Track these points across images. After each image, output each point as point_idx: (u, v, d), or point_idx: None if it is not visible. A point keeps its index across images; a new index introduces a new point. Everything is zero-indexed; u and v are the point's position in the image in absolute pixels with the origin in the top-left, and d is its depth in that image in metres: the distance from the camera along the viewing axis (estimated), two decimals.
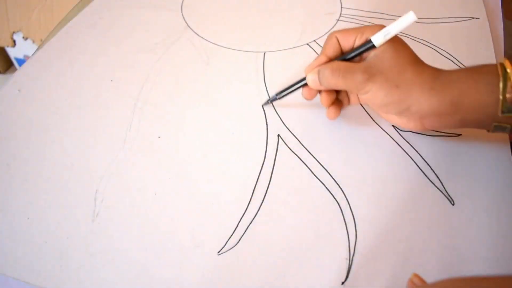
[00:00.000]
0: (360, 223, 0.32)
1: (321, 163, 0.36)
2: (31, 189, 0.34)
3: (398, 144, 0.37)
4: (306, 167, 0.35)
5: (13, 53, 1.10)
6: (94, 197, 0.34)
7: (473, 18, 0.49)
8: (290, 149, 0.37)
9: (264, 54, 0.45)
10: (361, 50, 0.33)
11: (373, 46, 0.33)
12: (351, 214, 0.33)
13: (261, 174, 0.35)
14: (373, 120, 0.39)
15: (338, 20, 0.49)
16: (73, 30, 0.48)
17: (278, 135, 0.38)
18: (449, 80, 0.32)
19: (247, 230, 0.32)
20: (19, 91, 0.41)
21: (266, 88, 0.41)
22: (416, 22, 0.50)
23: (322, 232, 0.32)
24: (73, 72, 0.43)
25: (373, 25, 0.34)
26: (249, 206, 0.33)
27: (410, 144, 0.37)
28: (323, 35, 0.47)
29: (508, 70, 0.30)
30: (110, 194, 0.34)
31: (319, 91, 0.36)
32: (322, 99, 0.36)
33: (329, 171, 0.35)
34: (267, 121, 0.39)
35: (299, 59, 0.44)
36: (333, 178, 0.35)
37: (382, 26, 0.33)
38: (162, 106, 0.40)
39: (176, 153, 0.37)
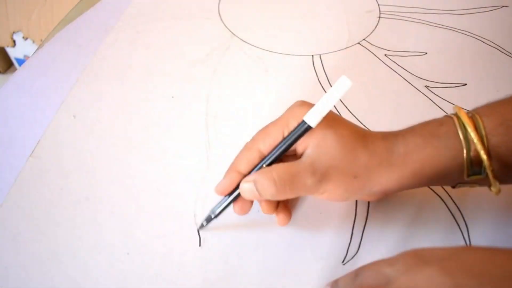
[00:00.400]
0: (466, 213, 0.33)
1: None
2: (123, 221, 0.32)
3: None
4: None
5: (13, 53, 1.09)
6: (194, 223, 0.32)
7: (503, 6, 0.51)
8: None
9: (320, 56, 0.45)
10: (293, 137, 0.28)
11: (308, 129, 0.27)
12: (455, 206, 0.33)
13: None
14: None
15: (380, 17, 0.49)
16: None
17: None
18: (406, 152, 0.28)
19: (363, 235, 0.32)
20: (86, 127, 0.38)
21: None
22: (451, 14, 0.51)
23: (434, 227, 0.32)
24: (126, 91, 0.41)
25: (293, 113, 0.29)
26: (357, 210, 0.33)
27: None
28: (370, 33, 0.47)
29: (469, 130, 0.27)
30: None
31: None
32: (263, 208, 0.30)
33: None
34: None
35: (356, 58, 0.45)
36: None
37: (307, 105, 0.28)
38: (234, 118, 0.39)
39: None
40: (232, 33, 0.47)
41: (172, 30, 0.48)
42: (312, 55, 0.45)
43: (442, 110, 0.39)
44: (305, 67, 0.44)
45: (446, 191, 0.34)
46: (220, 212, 0.30)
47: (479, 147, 0.27)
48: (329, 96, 0.27)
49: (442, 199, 0.34)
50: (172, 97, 0.40)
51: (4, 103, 0.40)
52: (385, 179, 0.28)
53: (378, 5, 0.51)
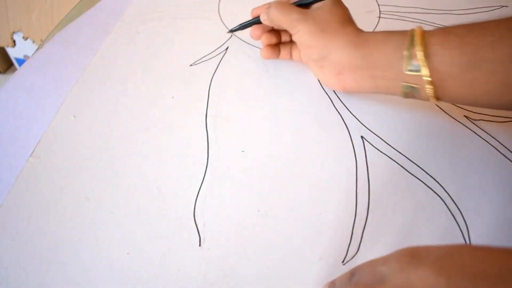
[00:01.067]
0: (466, 213, 0.33)
1: (411, 159, 0.36)
2: (123, 221, 0.32)
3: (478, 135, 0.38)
4: (398, 165, 0.36)
5: (13, 53, 1.09)
6: (194, 223, 0.32)
7: (503, 6, 0.51)
8: (378, 149, 0.37)
9: None
10: None
11: None
12: (455, 206, 0.33)
13: (357, 177, 0.35)
14: (448, 115, 0.40)
15: (379, 17, 0.49)
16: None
17: (362, 137, 0.38)
18: (365, 38, 0.35)
19: (363, 235, 0.32)
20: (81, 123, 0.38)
21: (334, 91, 0.41)
22: (451, 14, 0.51)
23: (434, 227, 0.32)
24: (126, 91, 0.41)
25: None
26: (357, 211, 0.33)
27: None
28: None
29: (416, 30, 0.32)
30: (210, 217, 0.32)
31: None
32: (262, 38, 0.42)
33: (421, 167, 0.35)
34: (346, 123, 0.39)
35: None
36: (427, 173, 0.35)
37: None
38: (235, 118, 0.39)
39: (265, 165, 0.36)
40: (232, 33, 0.47)
41: (172, 30, 0.48)
42: None
43: (438, 106, 0.40)
44: (305, 67, 0.44)
45: (446, 191, 0.34)
46: (246, 26, 0.44)
47: (416, 38, 0.31)
48: None
49: (442, 199, 0.34)
50: (172, 97, 0.40)
51: (4, 103, 0.40)
52: (343, 49, 0.35)
53: (378, 5, 0.51)
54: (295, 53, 0.43)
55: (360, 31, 0.37)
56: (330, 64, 0.37)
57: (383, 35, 0.35)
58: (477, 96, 0.32)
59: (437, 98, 0.33)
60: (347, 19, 0.37)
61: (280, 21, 0.39)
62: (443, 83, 0.31)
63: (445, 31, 0.32)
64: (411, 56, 0.32)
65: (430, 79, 0.31)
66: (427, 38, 0.31)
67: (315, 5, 0.38)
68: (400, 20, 0.49)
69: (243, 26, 0.44)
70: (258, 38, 0.42)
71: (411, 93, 0.33)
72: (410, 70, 0.32)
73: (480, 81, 0.30)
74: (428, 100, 0.33)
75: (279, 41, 0.43)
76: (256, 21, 0.42)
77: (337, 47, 0.36)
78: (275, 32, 0.43)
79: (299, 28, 0.37)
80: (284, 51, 0.43)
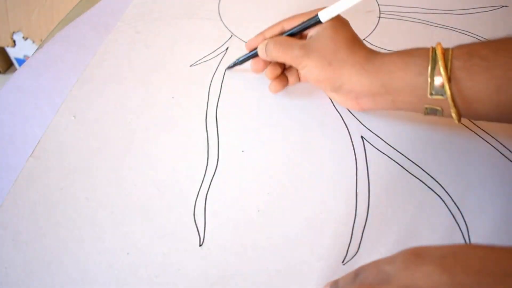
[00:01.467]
0: (466, 214, 0.33)
1: (411, 159, 0.36)
2: (123, 221, 0.32)
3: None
4: (398, 165, 0.36)
5: (13, 53, 1.09)
6: (194, 223, 0.32)
7: (503, 6, 0.51)
8: (378, 149, 0.37)
9: None
10: (306, 24, 0.36)
11: (319, 22, 0.35)
12: (455, 206, 0.33)
13: (357, 177, 0.35)
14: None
15: (379, 17, 0.49)
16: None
17: (362, 137, 0.38)
18: (381, 62, 0.33)
19: (363, 235, 0.32)
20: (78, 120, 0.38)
21: None
22: (451, 14, 0.51)
23: (434, 227, 0.32)
24: (126, 91, 0.41)
25: (320, 10, 0.36)
26: (357, 211, 0.33)
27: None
28: (370, 33, 0.47)
29: (438, 53, 0.30)
30: (210, 217, 0.32)
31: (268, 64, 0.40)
32: (267, 72, 0.39)
33: (421, 167, 0.35)
34: (346, 123, 0.39)
35: None
36: (427, 173, 0.35)
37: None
38: (235, 118, 0.39)
39: (265, 165, 0.36)
40: (232, 33, 0.47)
41: (172, 30, 0.48)
42: None
43: None
44: None
45: (446, 191, 0.34)
46: (243, 60, 0.41)
47: (440, 63, 0.30)
48: (343, 2, 0.34)
49: (442, 199, 0.34)
50: (172, 97, 0.40)
51: (4, 103, 0.40)
52: (356, 79, 0.33)
53: (378, 5, 0.51)
54: (303, 76, 0.40)
55: (371, 53, 0.34)
56: (346, 93, 0.35)
57: (401, 58, 0.32)
58: (506, 115, 0.31)
59: (461, 117, 0.32)
60: (353, 42, 0.35)
61: (282, 59, 0.37)
62: (469, 105, 0.31)
63: (469, 53, 0.30)
64: (436, 82, 0.30)
65: (453, 103, 0.30)
66: (450, 62, 0.30)
67: (313, 32, 0.36)
68: (400, 20, 0.49)
69: (241, 61, 0.41)
70: (261, 71, 0.40)
71: (432, 113, 0.33)
72: (434, 95, 0.31)
73: (509, 103, 0.29)
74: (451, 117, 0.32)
75: (283, 68, 0.40)
76: (254, 54, 0.40)
77: (350, 78, 0.34)
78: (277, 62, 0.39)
79: (304, 64, 0.35)
80: (291, 77, 0.40)
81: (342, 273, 0.27)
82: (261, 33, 0.39)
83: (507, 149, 0.37)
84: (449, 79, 0.30)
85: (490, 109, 0.30)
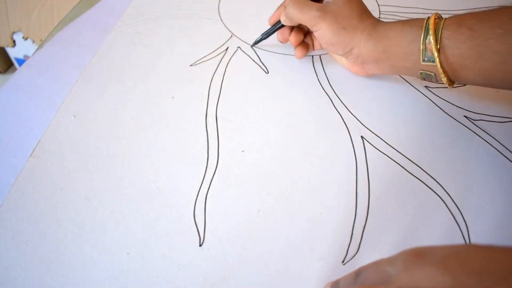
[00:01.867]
0: (466, 214, 0.33)
1: (411, 159, 0.36)
2: (123, 221, 0.32)
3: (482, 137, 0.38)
4: (398, 165, 0.36)
5: (13, 53, 1.09)
6: (194, 223, 0.32)
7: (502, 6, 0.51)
8: (378, 149, 0.37)
9: (320, 56, 0.45)
10: None
11: None
12: (455, 206, 0.33)
13: (358, 177, 0.35)
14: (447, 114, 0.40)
15: (379, 17, 0.49)
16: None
17: (362, 137, 0.38)
18: (383, 30, 0.37)
19: (363, 235, 0.32)
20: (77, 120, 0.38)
21: (334, 91, 0.41)
22: (451, 14, 0.51)
23: (434, 227, 0.32)
24: (126, 91, 0.41)
25: None
26: (357, 211, 0.33)
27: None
28: None
29: (430, 22, 0.33)
30: (210, 217, 0.32)
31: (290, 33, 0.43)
32: (291, 39, 0.43)
33: (421, 167, 0.35)
34: (346, 123, 0.39)
35: None
36: (427, 173, 0.35)
37: None
38: (235, 118, 0.39)
39: (265, 165, 0.36)
40: (232, 33, 0.47)
41: (172, 30, 0.48)
42: (312, 55, 0.45)
43: (438, 106, 0.40)
44: (305, 67, 0.44)
45: (446, 191, 0.34)
46: (266, 35, 0.44)
47: (431, 32, 0.33)
48: None
49: (442, 199, 0.34)
50: (172, 97, 0.40)
51: (4, 103, 0.40)
52: (364, 44, 0.37)
53: (378, 5, 0.51)
54: (316, 43, 0.44)
55: (377, 22, 0.38)
56: (354, 57, 0.39)
57: (400, 26, 0.36)
58: (490, 81, 0.34)
59: (452, 82, 0.35)
60: (364, 11, 0.38)
61: (300, 18, 0.39)
62: (456, 71, 0.34)
63: (458, 22, 0.33)
64: (426, 49, 0.34)
65: (442, 69, 0.34)
66: (441, 31, 0.33)
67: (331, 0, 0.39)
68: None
69: (266, 35, 0.44)
70: (287, 40, 0.43)
71: (428, 78, 0.36)
72: (426, 61, 0.34)
73: (491, 70, 0.32)
74: (443, 83, 0.35)
75: (305, 35, 0.44)
76: (276, 28, 0.43)
77: (359, 43, 0.37)
78: (299, 28, 0.43)
79: (320, 25, 0.38)
80: (311, 43, 0.44)
81: (342, 273, 0.27)
82: (281, 4, 0.43)
83: (507, 149, 0.37)
84: (438, 47, 0.33)
85: (475, 75, 0.33)
